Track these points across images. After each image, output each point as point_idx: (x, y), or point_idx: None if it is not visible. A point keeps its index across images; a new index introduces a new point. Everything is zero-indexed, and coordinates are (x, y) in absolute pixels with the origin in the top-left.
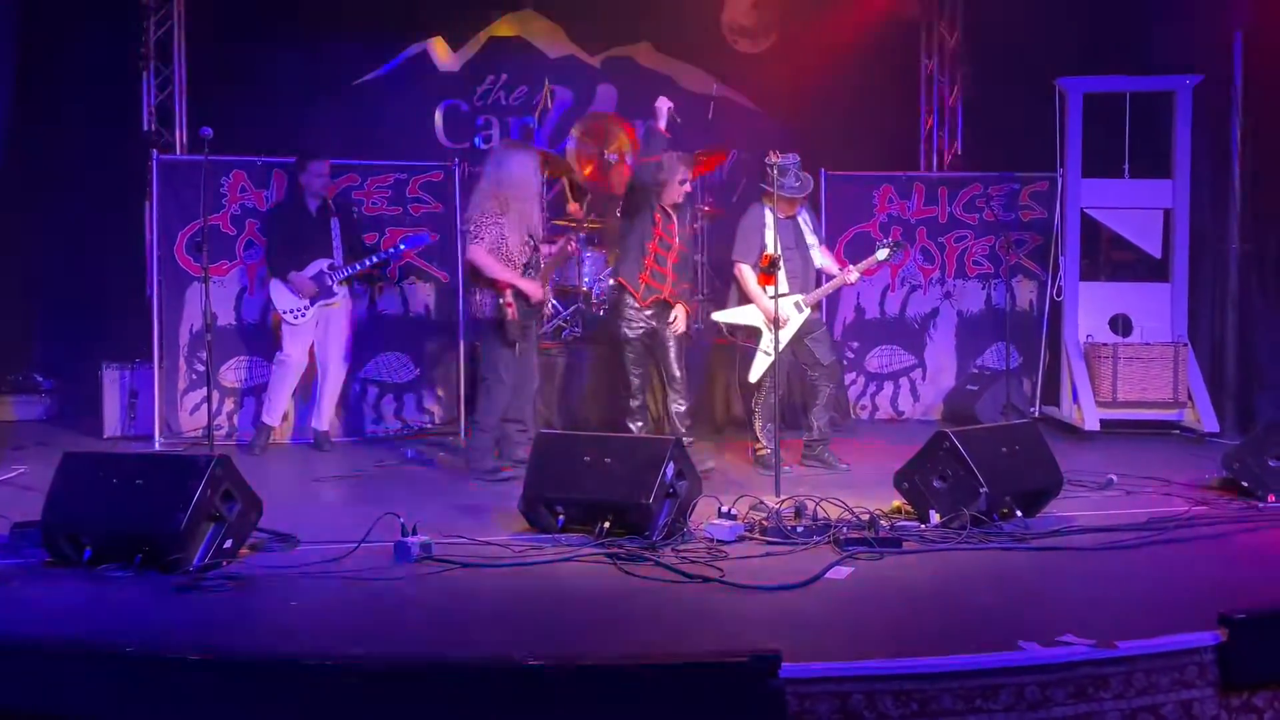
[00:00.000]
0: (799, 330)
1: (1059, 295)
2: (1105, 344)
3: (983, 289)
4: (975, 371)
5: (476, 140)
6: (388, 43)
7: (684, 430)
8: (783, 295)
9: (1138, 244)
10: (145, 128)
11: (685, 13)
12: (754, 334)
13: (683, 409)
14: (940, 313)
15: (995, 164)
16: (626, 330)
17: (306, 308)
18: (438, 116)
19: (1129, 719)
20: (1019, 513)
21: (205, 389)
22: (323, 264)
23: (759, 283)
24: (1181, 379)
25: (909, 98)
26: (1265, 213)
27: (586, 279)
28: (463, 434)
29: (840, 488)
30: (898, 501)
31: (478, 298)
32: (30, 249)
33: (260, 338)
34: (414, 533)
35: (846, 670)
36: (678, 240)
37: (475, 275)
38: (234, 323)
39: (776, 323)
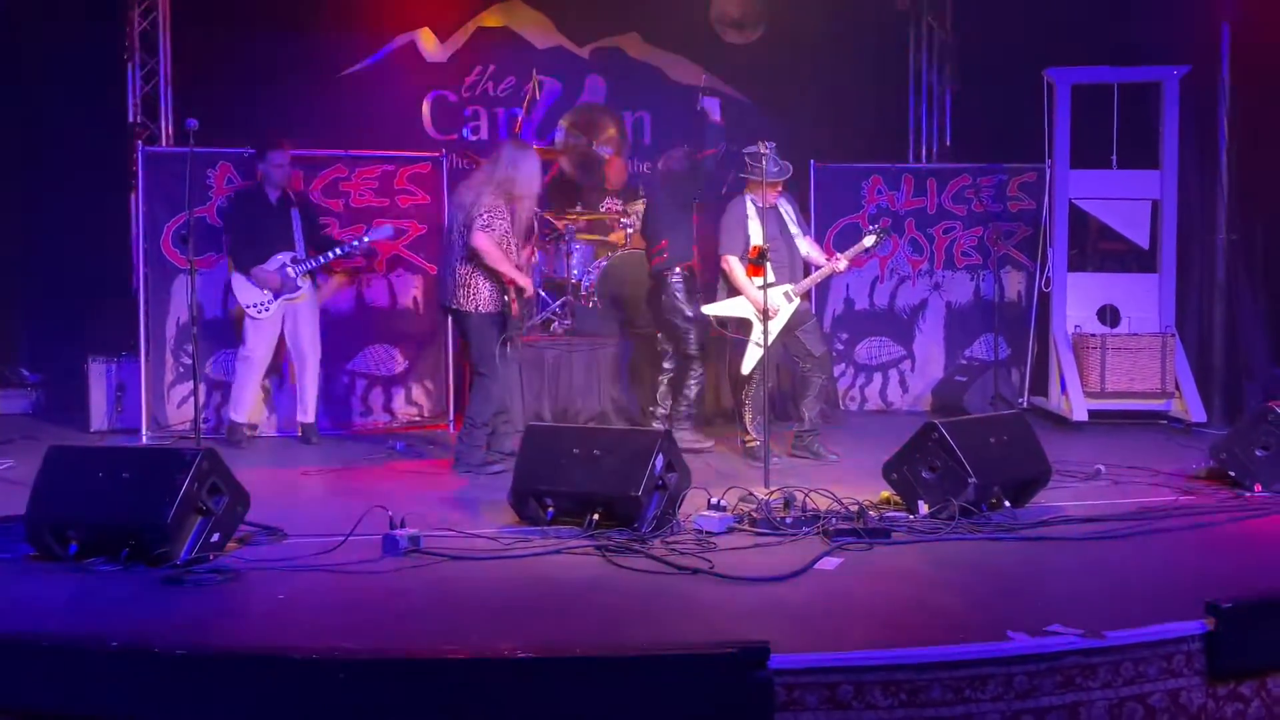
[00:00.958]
0: (790, 322)
1: (1047, 286)
2: (1093, 334)
3: (971, 280)
4: (964, 362)
5: (464, 131)
6: (375, 33)
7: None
8: (771, 285)
9: (1125, 235)
10: (130, 119)
11: (674, 4)
12: (745, 326)
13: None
14: (929, 304)
15: (984, 155)
16: (689, 311)
17: (270, 302)
18: (425, 107)
19: (1116, 708)
20: (1007, 503)
21: (192, 382)
22: (284, 257)
23: (747, 274)
24: (1169, 369)
25: (898, 89)
26: (1252, 203)
27: (575, 271)
28: (451, 426)
29: (829, 479)
30: (886, 492)
31: (471, 289)
32: (15, 242)
33: None
34: (402, 526)
35: (835, 661)
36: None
37: (472, 262)
38: (221, 315)
39: (766, 314)
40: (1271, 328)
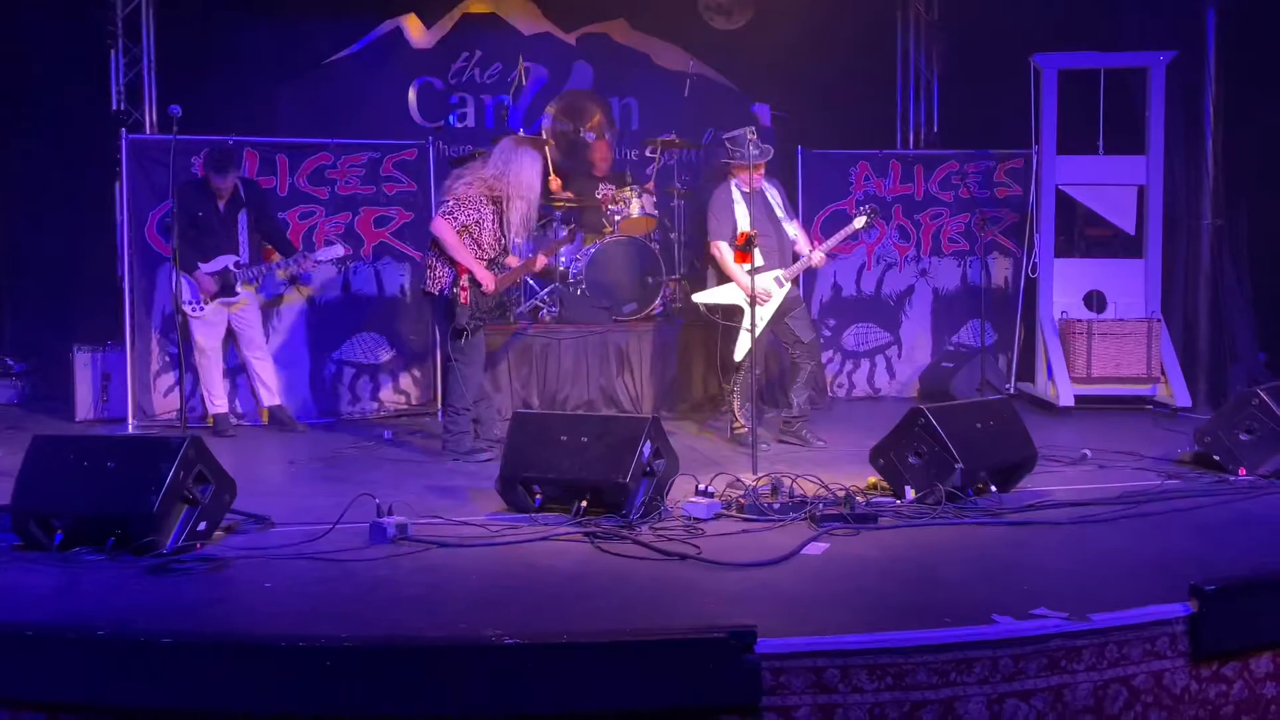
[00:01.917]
0: (779, 309)
1: (1034, 272)
2: (1080, 320)
3: (958, 266)
4: (951, 349)
5: (451, 118)
6: (360, 19)
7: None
8: (761, 270)
9: (1112, 220)
10: (114, 106)
11: None
12: (735, 312)
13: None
14: (916, 290)
15: (971, 141)
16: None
17: (205, 303)
18: (412, 94)
19: (1101, 690)
20: (993, 488)
21: (177, 371)
22: (228, 260)
23: (736, 260)
24: (1155, 354)
25: (885, 75)
26: (1238, 189)
27: (564, 258)
28: (440, 414)
29: (817, 465)
30: (873, 478)
31: (434, 272)
32: None
33: None
34: (390, 513)
35: (821, 645)
36: None
37: (434, 247)
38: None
39: (754, 299)
40: (1256, 312)
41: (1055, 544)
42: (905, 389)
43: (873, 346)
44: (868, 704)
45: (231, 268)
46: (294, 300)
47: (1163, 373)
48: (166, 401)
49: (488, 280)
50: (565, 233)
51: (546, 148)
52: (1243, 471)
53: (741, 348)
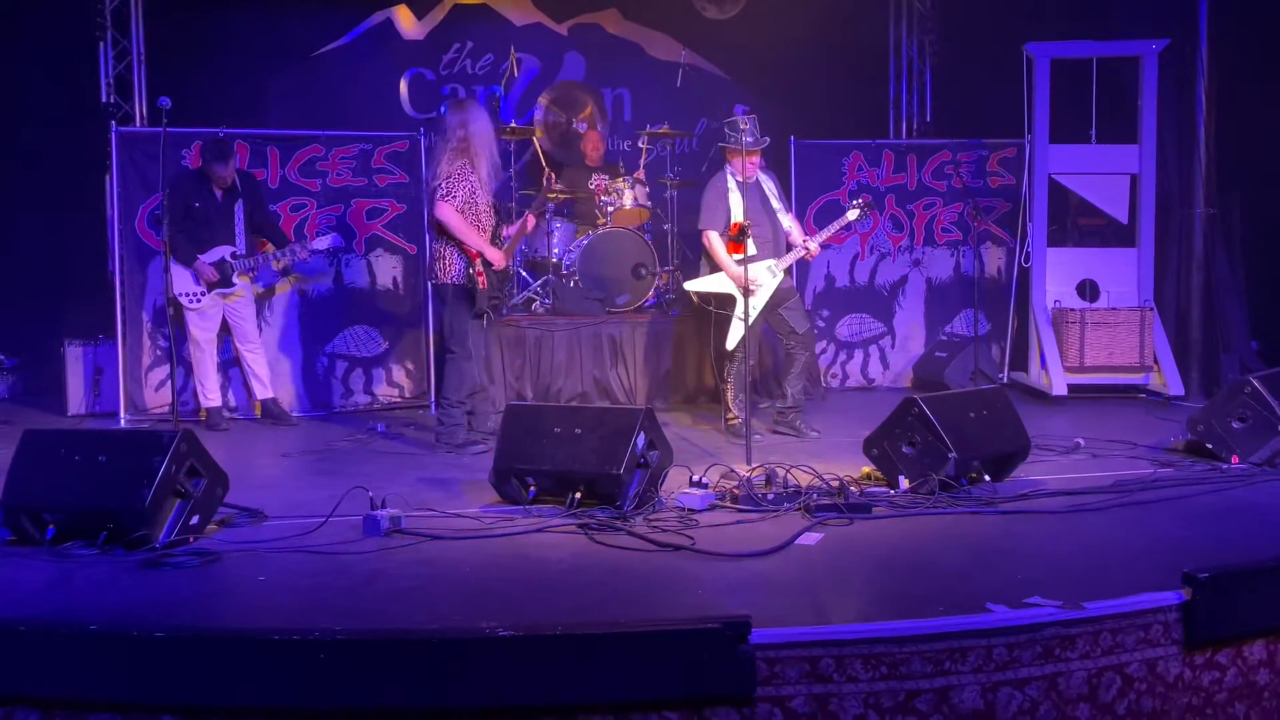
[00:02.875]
0: (773, 300)
1: (1027, 261)
2: (1073, 309)
3: (951, 256)
4: (944, 338)
5: (442, 110)
6: (351, 11)
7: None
8: (753, 260)
9: (1104, 209)
10: (103, 99)
11: None
12: (727, 301)
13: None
14: (909, 280)
15: (964, 130)
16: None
17: (203, 294)
18: (403, 86)
19: (1095, 678)
20: (987, 477)
21: (169, 365)
22: (225, 251)
23: (728, 251)
24: (1148, 343)
25: (878, 65)
26: (1230, 177)
27: (556, 250)
28: (433, 407)
29: (811, 455)
30: (867, 468)
31: (445, 262)
32: None
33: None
34: (383, 506)
35: (816, 635)
36: None
37: (441, 235)
38: None
39: (746, 290)
40: (1249, 301)
41: (1049, 533)
42: (899, 379)
43: (866, 337)
44: (862, 693)
45: (228, 258)
46: (286, 291)
47: (1155, 361)
48: (159, 395)
49: (497, 258)
50: (552, 186)
51: (540, 139)
52: (1235, 459)
53: (733, 337)
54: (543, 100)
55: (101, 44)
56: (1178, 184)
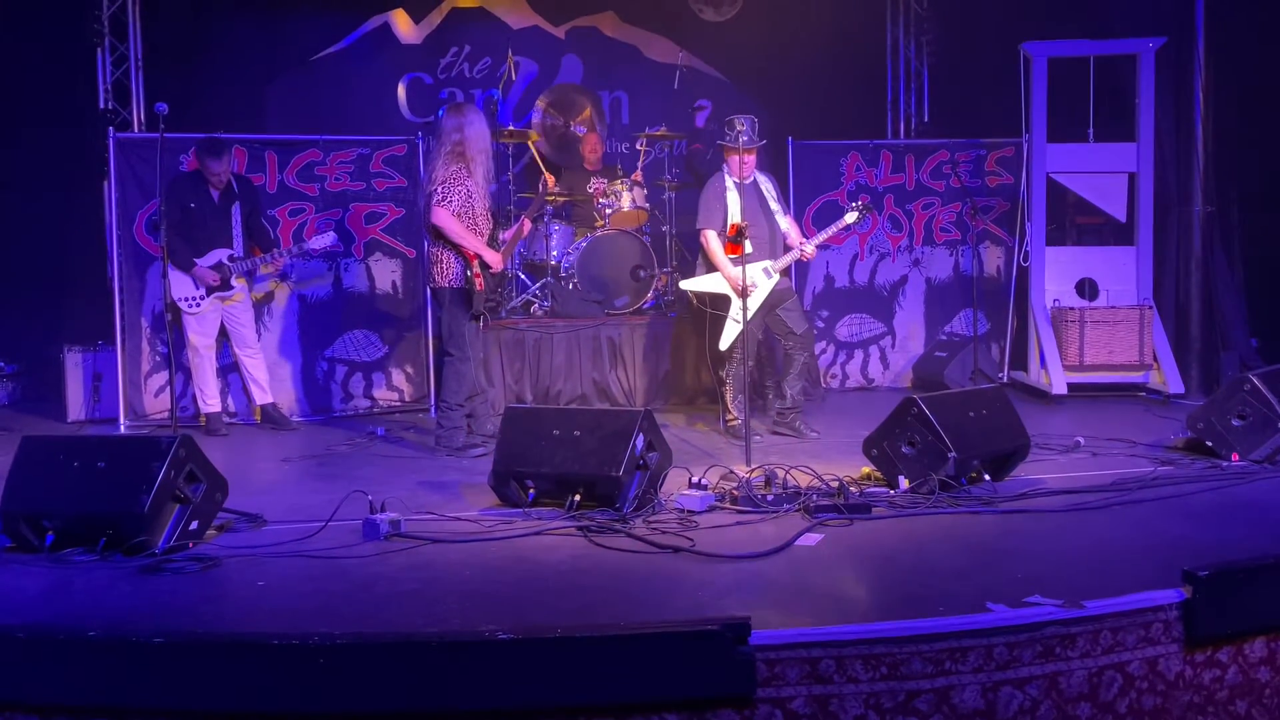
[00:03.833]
0: (770, 300)
1: (1026, 261)
2: (1072, 308)
3: (950, 256)
4: (944, 338)
5: (440, 114)
6: (348, 15)
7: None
8: (750, 260)
9: (1103, 208)
10: (101, 105)
11: None
12: (722, 302)
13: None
14: (909, 280)
15: (962, 130)
16: None
17: (202, 298)
18: (401, 90)
19: (1095, 677)
20: (987, 476)
21: (168, 370)
22: (222, 254)
23: (725, 251)
24: (1147, 341)
25: (875, 65)
26: (1228, 175)
27: (555, 252)
28: (432, 411)
29: (810, 456)
30: (867, 468)
31: (442, 265)
32: None
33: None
34: (383, 510)
35: (816, 636)
36: None
37: (438, 239)
38: None
39: (744, 291)
40: (1248, 298)
41: (1049, 532)
42: (898, 379)
43: (866, 337)
44: (863, 694)
45: (225, 261)
46: (284, 297)
47: (1155, 359)
48: (158, 401)
49: (495, 260)
50: (550, 189)
51: (538, 143)
52: (1235, 457)
53: (728, 337)
54: (540, 103)
55: (99, 49)
56: (1176, 182)
